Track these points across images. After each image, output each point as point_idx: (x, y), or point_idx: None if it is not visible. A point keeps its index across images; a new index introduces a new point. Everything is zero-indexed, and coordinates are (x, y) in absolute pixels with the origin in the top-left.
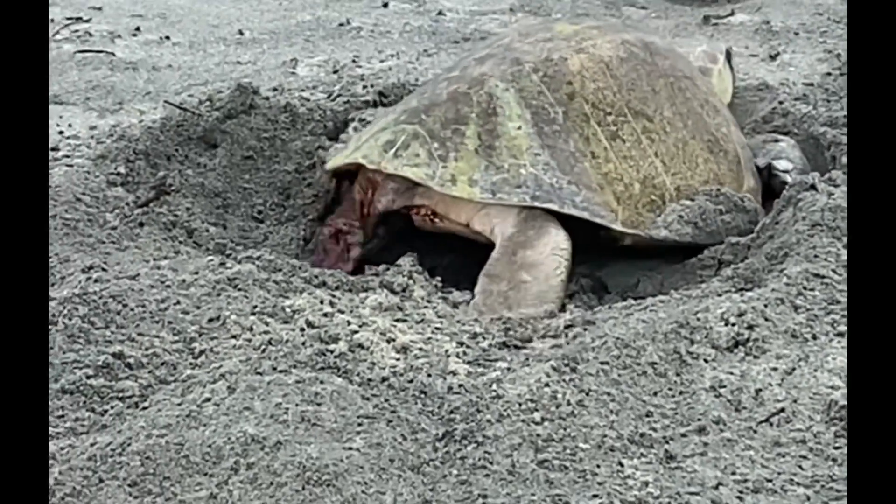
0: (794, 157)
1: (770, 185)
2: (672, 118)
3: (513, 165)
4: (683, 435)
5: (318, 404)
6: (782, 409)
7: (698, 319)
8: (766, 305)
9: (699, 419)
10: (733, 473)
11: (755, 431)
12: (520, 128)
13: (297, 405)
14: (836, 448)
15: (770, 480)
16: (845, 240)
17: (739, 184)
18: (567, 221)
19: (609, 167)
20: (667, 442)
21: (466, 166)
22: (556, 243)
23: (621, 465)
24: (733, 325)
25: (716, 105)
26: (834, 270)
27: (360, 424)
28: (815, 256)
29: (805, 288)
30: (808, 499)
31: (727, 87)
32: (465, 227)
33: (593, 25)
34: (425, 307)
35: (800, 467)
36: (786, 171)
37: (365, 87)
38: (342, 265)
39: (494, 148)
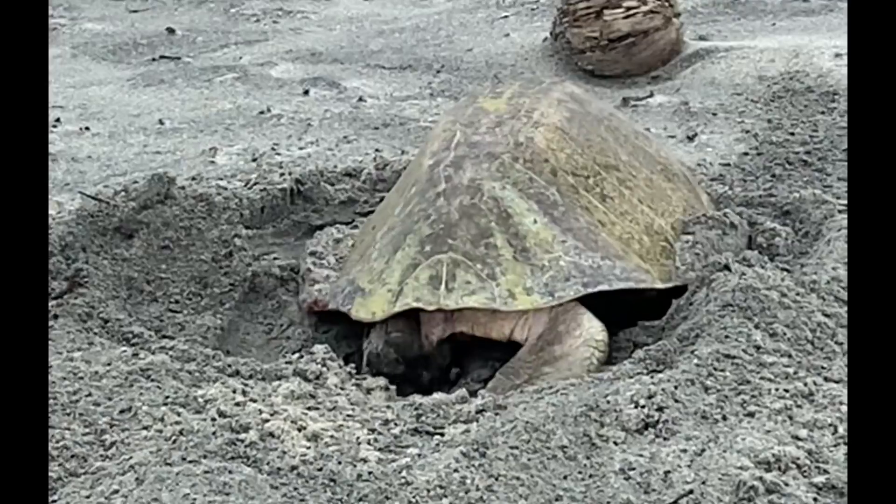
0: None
1: None
2: (630, 160)
3: (551, 261)
4: None
5: (227, 494)
6: (691, 491)
7: (608, 402)
8: (676, 387)
9: (608, 502)
10: None
11: None
12: (535, 221)
13: (204, 496)
14: None
15: None
16: (756, 319)
17: (701, 203)
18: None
19: (617, 231)
20: None
21: (515, 277)
22: (589, 335)
23: None
24: (643, 407)
25: (641, 133)
26: (744, 350)
27: None
28: (727, 337)
29: (715, 369)
30: None
31: None
32: (507, 339)
33: (515, 93)
34: (338, 394)
35: None
36: None
37: (282, 174)
38: None
39: (528, 249)
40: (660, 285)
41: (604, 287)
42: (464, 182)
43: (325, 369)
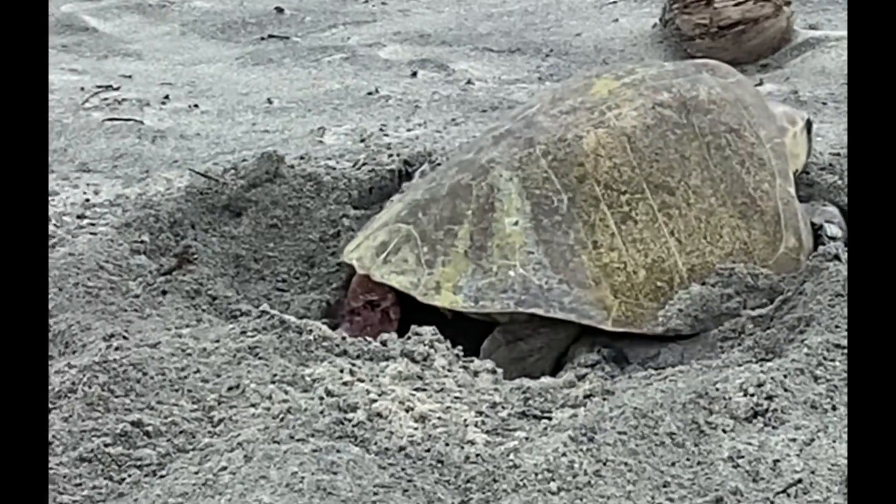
0: (843, 225)
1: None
2: (700, 186)
3: (502, 267)
4: None
5: (335, 473)
6: (800, 480)
7: (717, 390)
8: (785, 376)
9: (716, 490)
10: None
11: (772, 502)
12: (516, 223)
13: (312, 474)
14: None
15: None
16: None
17: (775, 247)
18: None
19: (612, 256)
20: None
21: (453, 271)
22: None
23: None
24: (752, 395)
25: (762, 158)
26: None
27: (375, 494)
28: (836, 327)
29: (825, 359)
30: None
31: (800, 152)
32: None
33: (635, 80)
34: (445, 376)
35: None
36: (833, 238)
37: (391, 155)
38: (387, 327)
39: (485, 249)
40: (607, 327)
41: (537, 311)
42: (482, 160)
43: (432, 351)
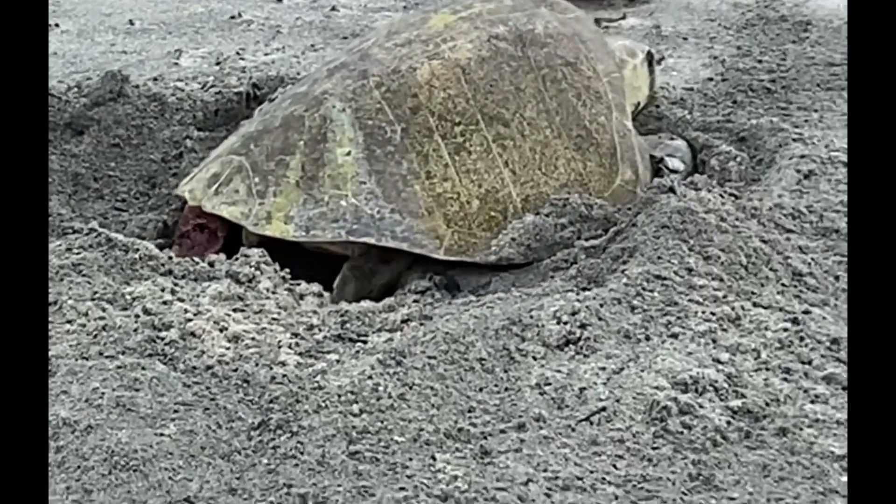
0: (686, 159)
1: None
2: (535, 118)
3: (333, 197)
4: (502, 431)
5: (136, 390)
6: (603, 409)
7: (531, 317)
8: (601, 305)
9: (520, 416)
10: (545, 470)
11: (574, 430)
12: (349, 153)
13: (113, 390)
14: (653, 448)
15: (581, 478)
16: (691, 242)
17: (610, 179)
18: None
19: (445, 186)
20: (484, 438)
21: (285, 201)
22: None
23: (434, 458)
24: (566, 323)
25: (599, 91)
26: (676, 272)
27: (175, 411)
28: (659, 258)
29: (644, 289)
30: (617, 497)
31: (641, 85)
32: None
33: (472, 14)
34: (267, 298)
35: (614, 466)
36: (674, 171)
37: (240, 79)
38: (214, 245)
39: (317, 179)
40: (440, 256)
41: (370, 240)
42: (315, 91)
43: (258, 273)
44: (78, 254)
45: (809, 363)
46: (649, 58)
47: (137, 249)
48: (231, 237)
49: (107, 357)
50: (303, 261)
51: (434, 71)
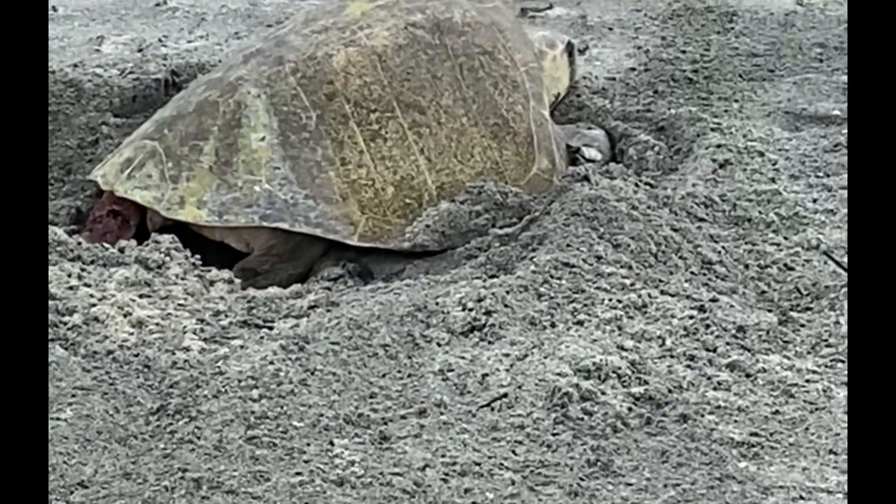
0: (604, 148)
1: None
2: (451, 106)
3: (247, 182)
4: (403, 417)
5: None
6: (505, 395)
7: (437, 304)
8: (507, 292)
9: (421, 402)
10: (443, 456)
11: (474, 415)
12: (263, 139)
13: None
14: (553, 434)
15: (479, 464)
16: (601, 230)
17: (527, 167)
18: None
19: (360, 173)
20: (384, 423)
21: (198, 186)
22: None
23: (332, 444)
24: (471, 310)
25: (516, 80)
26: (584, 260)
27: (73, 396)
28: (568, 245)
29: (552, 276)
30: (514, 483)
31: (561, 75)
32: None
33: (389, 3)
34: (175, 284)
35: (513, 452)
36: (591, 160)
37: (160, 66)
38: (125, 234)
39: (231, 164)
40: (353, 242)
41: (283, 225)
42: (230, 77)
43: (168, 258)
44: None
45: (714, 350)
46: (569, 48)
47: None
48: (145, 226)
49: None
50: (217, 247)
51: (350, 58)
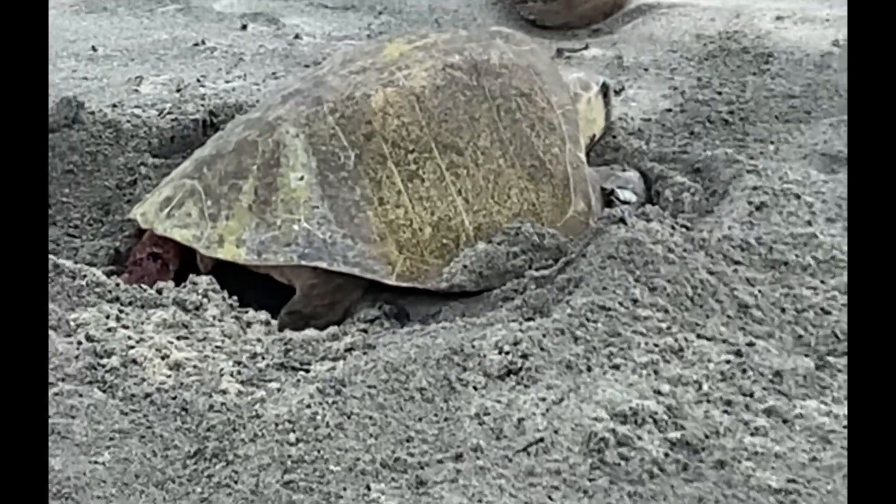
0: (639, 190)
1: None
2: (489, 147)
3: (286, 221)
4: (439, 461)
5: (73, 417)
6: (541, 440)
7: (473, 347)
8: (544, 335)
9: (458, 446)
10: (480, 501)
11: (510, 460)
12: (302, 178)
13: (49, 417)
14: (589, 480)
15: None
16: (637, 273)
17: (563, 209)
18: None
19: (398, 213)
20: (421, 468)
21: (237, 225)
22: None
23: (369, 488)
24: (507, 353)
25: (553, 123)
26: (620, 303)
27: (111, 439)
28: (604, 288)
29: (588, 319)
30: None
31: (596, 117)
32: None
33: (427, 44)
34: (212, 325)
35: (549, 497)
36: (626, 202)
37: (198, 106)
38: (164, 277)
39: (270, 203)
40: (391, 282)
41: (321, 264)
42: (269, 117)
43: (205, 300)
44: None
45: (751, 395)
46: (604, 89)
47: (84, 276)
48: (185, 268)
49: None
50: (257, 287)
51: (388, 98)
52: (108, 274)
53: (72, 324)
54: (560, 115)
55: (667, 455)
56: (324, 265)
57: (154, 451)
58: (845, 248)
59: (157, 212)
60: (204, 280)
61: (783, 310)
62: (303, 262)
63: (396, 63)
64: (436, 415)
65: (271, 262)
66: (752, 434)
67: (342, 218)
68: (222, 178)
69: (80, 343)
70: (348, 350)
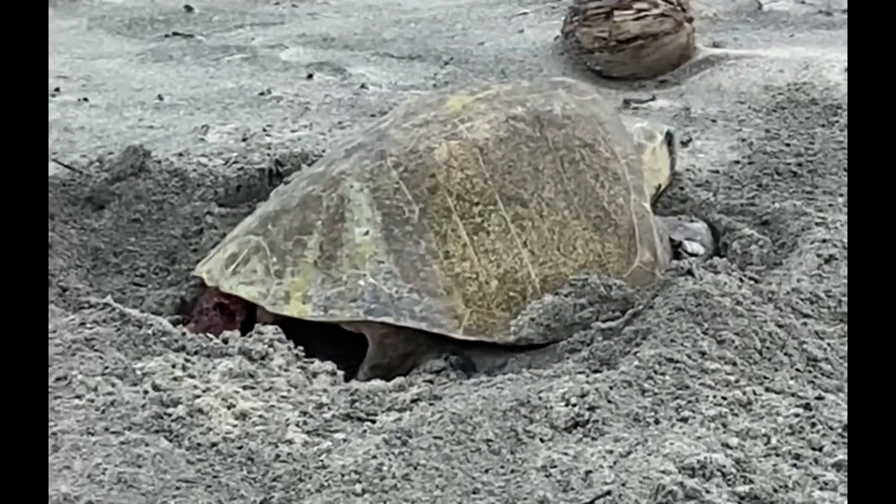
0: (706, 241)
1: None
2: (553, 199)
3: (352, 277)
4: None
5: (139, 466)
6: (608, 493)
7: (540, 398)
8: (611, 387)
9: (525, 498)
10: None
11: None
12: (367, 233)
13: (116, 466)
14: None
15: None
16: (705, 325)
17: (629, 260)
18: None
19: (464, 266)
20: None
21: (303, 281)
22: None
23: None
24: (574, 405)
25: (617, 173)
26: (688, 355)
27: (177, 488)
28: (672, 341)
29: (656, 372)
30: None
31: (661, 167)
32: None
33: (489, 95)
34: (278, 375)
35: None
36: (693, 254)
37: (264, 155)
38: (230, 328)
39: (335, 258)
40: (458, 336)
41: (388, 320)
42: (333, 172)
43: (271, 349)
44: (91, 328)
45: (820, 449)
46: (668, 139)
47: (151, 325)
48: (251, 318)
49: (112, 433)
50: (321, 337)
51: (452, 151)
52: (175, 323)
53: (138, 373)
54: (624, 165)
55: None
56: (390, 320)
57: (220, 501)
58: None
59: (223, 269)
60: (270, 330)
61: None
62: (369, 318)
63: (459, 115)
64: (502, 467)
65: (337, 318)
66: (821, 488)
67: (408, 272)
68: (287, 234)
69: (146, 392)
70: (414, 401)
